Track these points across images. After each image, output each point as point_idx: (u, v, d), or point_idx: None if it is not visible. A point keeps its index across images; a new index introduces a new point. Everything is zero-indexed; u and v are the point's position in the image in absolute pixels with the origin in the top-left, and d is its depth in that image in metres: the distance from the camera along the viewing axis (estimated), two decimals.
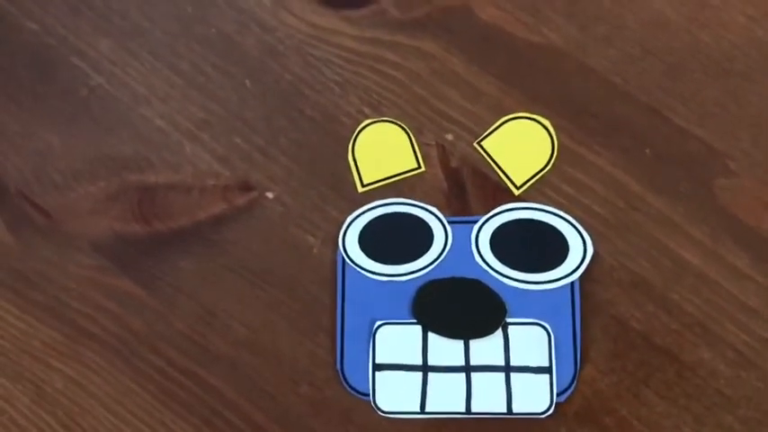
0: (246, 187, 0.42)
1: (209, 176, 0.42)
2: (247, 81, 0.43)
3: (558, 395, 0.39)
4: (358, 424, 0.40)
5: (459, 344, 0.40)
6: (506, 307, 0.40)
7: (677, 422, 0.39)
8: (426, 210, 0.41)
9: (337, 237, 0.41)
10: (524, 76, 0.42)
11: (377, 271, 0.41)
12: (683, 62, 0.42)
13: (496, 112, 0.42)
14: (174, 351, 0.41)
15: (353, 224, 0.41)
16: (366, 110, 0.43)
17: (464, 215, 0.41)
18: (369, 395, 0.39)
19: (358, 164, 0.42)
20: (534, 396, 0.39)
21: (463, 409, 0.39)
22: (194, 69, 0.44)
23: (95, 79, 0.44)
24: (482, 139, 0.42)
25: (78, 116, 0.44)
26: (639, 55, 0.42)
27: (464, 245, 0.41)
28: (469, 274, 0.40)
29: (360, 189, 0.42)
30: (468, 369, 0.39)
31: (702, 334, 0.39)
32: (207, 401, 0.40)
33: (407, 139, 0.42)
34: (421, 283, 0.40)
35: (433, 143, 0.42)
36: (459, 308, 0.40)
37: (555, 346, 0.39)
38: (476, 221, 0.41)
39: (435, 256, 0.41)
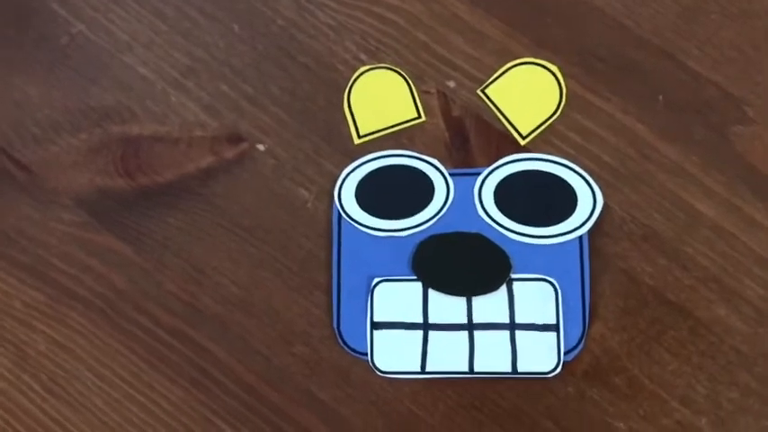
0: (236, 139, 0.41)
1: (195, 127, 0.42)
2: (235, 26, 0.42)
3: (565, 354, 0.38)
4: (355, 384, 0.39)
5: (462, 301, 0.39)
6: (511, 262, 0.39)
7: (690, 381, 0.38)
8: (427, 161, 0.40)
9: (332, 191, 0.40)
10: (531, 18, 0.41)
11: (375, 226, 0.40)
12: (698, 2, 0.41)
13: (501, 57, 0.41)
14: (162, 311, 0.40)
15: (350, 177, 0.41)
16: (363, 56, 0.42)
17: (467, 167, 0.40)
18: (366, 355, 0.39)
19: (354, 114, 0.41)
20: (540, 355, 0.38)
21: (466, 369, 0.39)
22: (179, 14, 0.43)
23: (76, 26, 0.43)
24: (486, 87, 0.41)
25: (58, 65, 0.43)
26: None
27: (467, 198, 0.40)
28: (472, 228, 0.40)
29: (356, 140, 0.41)
30: (470, 327, 0.39)
31: (718, 289, 0.39)
32: (196, 363, 0.40)
33: (407, 87, 0.41)
34: (421, 238, 0.40)
35: (434, 91, 0.41)
36: (462, 263, 0.39)
37: (562, 302, 0.39)
38: (479, 173, 0.40)
39: (436, 211, 0.40)
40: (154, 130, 0.42)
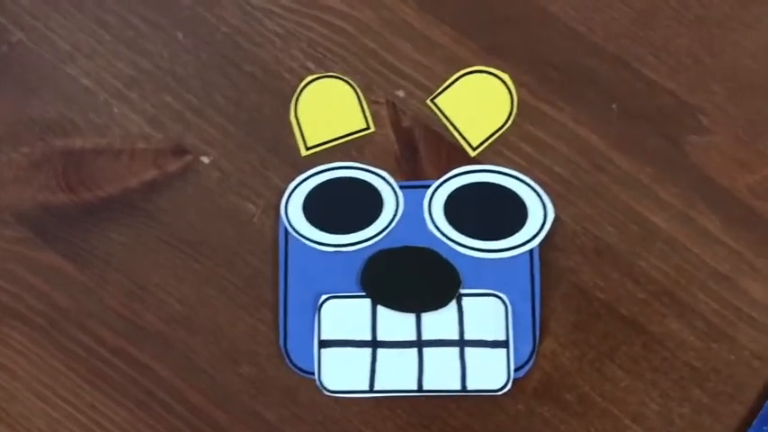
0: (180, 151, 0.41)
1: (139, 140, 0.41)
2: (179, 34, 0.42)
3: (515, 371, 0.38)
4: (302, 404, 0.39)
5: (411, 317, 0.39)
6: (461, 277, 0.39)
7: (643, 398, 0.38)
8: (376, 174, 0.40)
9: (279, 204, 0.40)
10: (482, 25, 0.41)
11: (322, 241, 0.39)
12: (653, 9, 0.40)
13: (452, 65, 0.41)
14: (105, 329, 0.40)
15: (297, 191, 0.40)
16: (310, 64, 0.41)
17: (416, 179, 0.40)
18: (314, 373, 0.39)
19: (301, 124, 0.41)
20: (490, 372, 0.38)
21: (415, 387, 0.38)
22: (122, 23, 0.42)
23: (15, 35, 0.42)
24: (436, 96, 0.41)
25: None
26: (606, 1, 0.40)
27: (416, 211, 0.39)
28: (421, 242, 0.39)
29: (303, 152, 0.40)
30: (420, 344, 0.39)
31: (671, 303, 0.38)
32: (140, 382, 0.40)
33: (355, 97, 0.41)
34: (370, 253, 0.39)
35: (383, 101, 0.41)
36: (411, 279, 0.39)
37: (512, 318, 0.38)
38: (429, 186, 0.40)
39: (385, 224, 0.39)
40: (96, 143, 0.41)
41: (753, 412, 0.38)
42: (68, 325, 0.40)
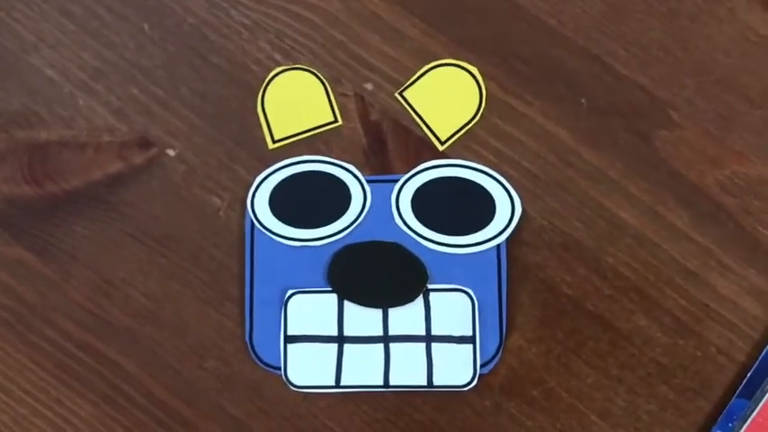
0: (145, 144, 0.41)
1: (104, 132, 0.41)
2: (145, 25, 0.41)
3: (481, 366, 0.38)
4: (268, 399, 0.39)
5: (378, 313, 0.39)
6: (428, 272, 0.39)
7: (609, 394, 0.38)
8: (343, 168, 0.40)
9: (246, 198, 0.40)
10: (451, 17, 0.41)
11: (289, 235, 0.39)
12: (625, 1, 0.40)
13: (420, 58, 0.41)
14: (71, 323, 0.40)
15: (263, 184, 0.40)
16: (277, 56, 0.41)
17: (384, 173, 0.40)
18: (280, 369, 0.39)
19: (268, 117, 0.41)
20: (456, 367, 0.38)
21: (381, 383, 0.39)
22: (87, 13, 0.42)
23: None
24: (404, 89, 0.40)
25: None
26: None
27: (384, 206, 0.40)
28: (389, 237, 0.39)
29: (270, 145, 0.40)
30: (386, 339, 0.39)
31: (638, 299, 0.39)
32: (106, 377, 0.40)
33: (323, 90, 0.41)
34: (337, 248, 0.39)
35: (351, 94, 0.40)
36: (378, 274, 0.39)
37: (479, 313, 0.38)
38: (397, 180, 0.40)
39: (352, 219, 0.39)
40: (61, 135, 0.41)
41: (719, 409, 0.38)
42: (34, 319, 0.40)
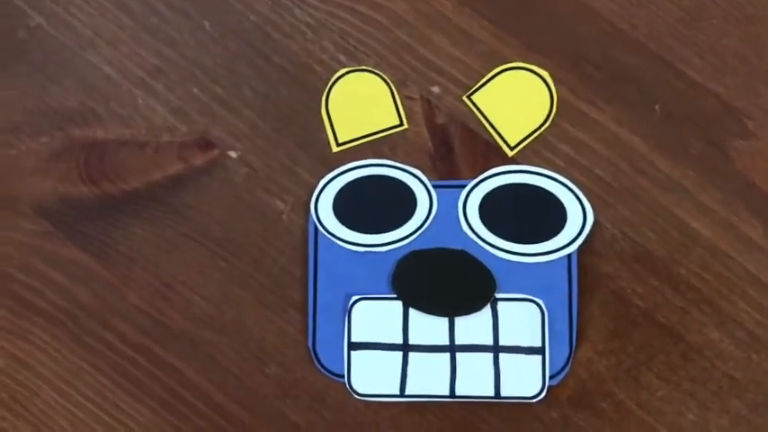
0: (206, 145, 0.41)
1: (163, 132, 0.41)
2: (206, 23, 0.41)
3: (550, 378, 0.38)
4: (331, 407, 0.39)
5: (444, 321, 0.39)
6: (496, 281, 0.39)
7: (680, 408, 0.38)
8: (409, 172, 0.40)
9: (309, 202, 0.40)
10: (521, 20, 0.40)
11: (353, 240, 0.39)
12: (700, 6, 0.40)
13: (489, 61, 0.40)
14: (129, 327, 0.40)
15: (327, 188, 0.40)
16: (342, 57, 0.41)
17: (451, 178, 0.40)
18: (343, 376, 0.39)
19: (332, 120, 0.40)
20: (525, 379, 0.38)
21: (447, 393, 0.38)
22: (146, 9, 0.41)
23: (35, 19, 0.42)
24: (473, 93, 0.40)
25: (15, 61, 0.42)
26: None
27: (450, 212, 0.39)
28: (455, 244, 0.39)
29: (334, 148, 0.40)
30: (452, 349, 0.39)
31: (711, 312, 0.38)
32: (165, 382, 0.40)
33: (388, 92, 0.40)
34: (402, 254, 0.39)
35: (418, 97, 0.40)
36: (444, 282, 0.39)
37: (548, 324, 0.38)
38: (464, 186, 0.39)
39: (418, 225, 0.39)
40: (119, 134, 0.41)
41: None
42: (91, 322, 0.40)
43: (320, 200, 0.40)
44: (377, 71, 0.41)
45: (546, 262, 0.39)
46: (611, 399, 0.38)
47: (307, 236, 0.40)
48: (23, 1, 0.42)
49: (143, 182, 0.41)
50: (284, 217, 0.40)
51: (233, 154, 0.40)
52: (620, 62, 0.40)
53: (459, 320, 0.39)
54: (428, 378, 0.39)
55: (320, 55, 0.41)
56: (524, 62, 0.40)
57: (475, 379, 0.38)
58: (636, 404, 0.38)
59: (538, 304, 0.38)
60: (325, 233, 0.39)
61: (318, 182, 0.40)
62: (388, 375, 0.39)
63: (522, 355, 0.38)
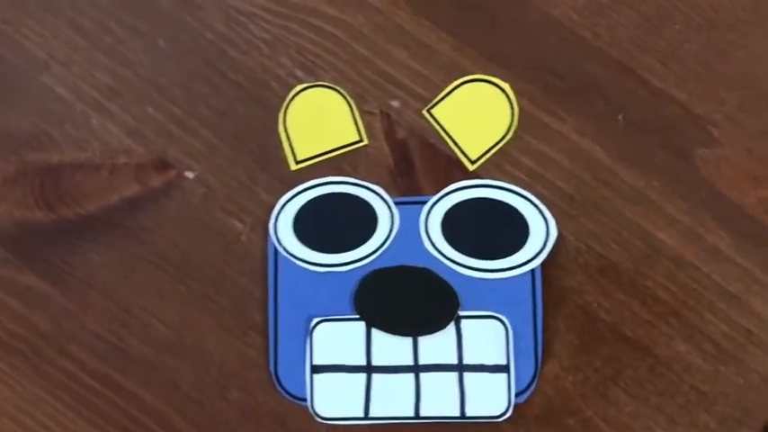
0: (163, 166, 0.40)
1: (120, 154, 0.40)
2: (161, 41, 0.41)
3: (516, 396, 0.38)
4: (294, 431, 0.39)
5: (407, 341, 0.38)
6: (459, 298, 0.38)
7: (648, 423, 0.38)
8: (369, 189, 0.39)
9: (268, 222, 0.39)
10: (481, 31, 0.40)
11: (314, 260, 0.39)
12: (661, 13, 0.39)
13: (449, 74, 0.40)
14: (88, 354, 0.39)
15: (286, 207, 0.39)
16: (299, 73, 0.40)
17: (412, 194, 0.39)
18: (306, 400, 0.38)
19: (291, 137, 0.40)
20: (490, 397, 0.38)
21: (412, 414, 0.38)
22: (99, 28, 0.41)
23: None
24: (432, 107, 0.40)
25: None
26: (611, 4, 0.40)
27: (412, 229, 0.39)
28: (418, 261, 0.39)
29: (293, 166, 0.40)
30: (416, 369, 0.38)
31: (678, 325, 0.38)
32: (125, 409, 0.39)
33: (347, 107, 0.40)
34: (363, 273, 0.39)
35: (377, 111, 0.40)
36: (407, 301, 0.38)
37: (513, 341, 0.38)
38: (425, 202, 0.39)
39: (380, 243, 0.39)
40: (74, 158, 0.40)
41: None
42: (49, 350, 0.40)
43: (279, 219, 0.39)
44: (335, 86, 0.40)
45: (510, 277, 0.38)
46: (579, 416, 0.38)
47: (266, 257, 0.39)
48: None
49: (99, 205, 0.40)
50: (243, 238, 0.40)
51: (190, 174, 0.40)
52: (582, 71, 0.39)
53: (422, 340, 0.38)
54: (392, 400, 0.38)
55: (277, 71, 0.40)
56: (484, 74, 0.40)
57: (440, 399, 0.38)
58: (603, 420, 0.38)
59: (502, 321, 0.38)
60: (286, 254, 0.39)
61: (277, 201, 0.39)
62: (351, 398, 0.38)
63: (488, 374, 0.38)
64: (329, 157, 0.40)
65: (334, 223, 0.39)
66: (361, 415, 0.38)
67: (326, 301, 0.39)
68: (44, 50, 0.41)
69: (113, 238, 0.40)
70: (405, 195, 0.39)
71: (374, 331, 0.38)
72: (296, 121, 0.40)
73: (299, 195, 0.39)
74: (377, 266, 0.39)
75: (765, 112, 0.39)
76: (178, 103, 0.40)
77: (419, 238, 0.39)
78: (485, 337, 0.38)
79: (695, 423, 0.38)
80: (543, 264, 0.38)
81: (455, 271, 0.38)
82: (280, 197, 0.39)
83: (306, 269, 0.39)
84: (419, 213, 0.39)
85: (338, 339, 0.38)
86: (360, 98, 0.40)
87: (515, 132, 0.39)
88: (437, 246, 0.39)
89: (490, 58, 0.40)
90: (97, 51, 0.41)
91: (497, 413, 0.38)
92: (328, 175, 0.39)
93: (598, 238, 0.39)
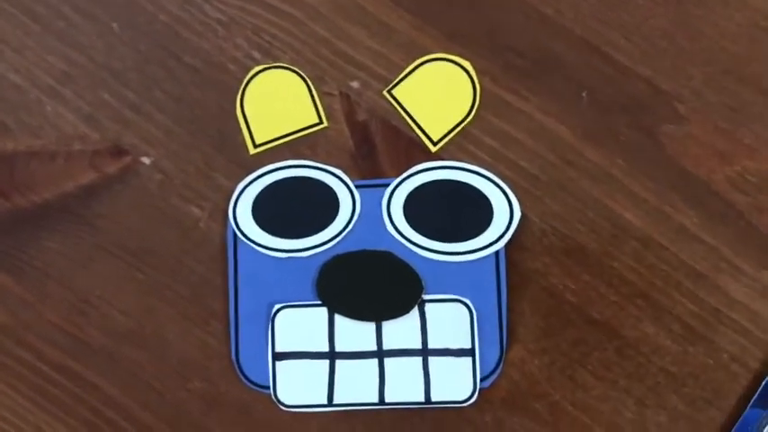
0: (118, 152, 0.39)
1: (74, 140, 0.39)
2: (115, 24, 0.40)
3: (482, 380, 0.37)
4: (258, 420, 0.38)
5: (371, 326, 0.38)
6: (422, 282, 0.38)
7: (617, 405, 0.37)
8: (330, 173, 0.38)
9: (227, 208, 0.39)
10: (441, 9, 0.39)
11: (274, 246, 0.38)
12: None
13: (409, 53, 0.39)
14: (46, 344, 0.39)
15: (245, 192, 0.39)
16: (256, 54, 0.39)
17: (373, 177, 0.39)
18: (269, 388, 0.38)
19: (248, 120, 0.39)
20: (455, 382, 0.37)
21: (376, 400, 0.38)
22: (52, 12, 0.40)
23: None
24: (393, 87, 0.39)
25: None
26: None
27: (374, 212, 0.38)
28: (380, 245, 0.38)
29: (252, 150, 0.39)
30: (380, 354, 0.38)
31: (645, 306, 0.38)
32: (85, 400, 0.39)
33: (306, 89, 0.39)
34: (325, 258, 0.38)
35: (337, 93, 0.39)
36: (370, 285, 0.38)
37: (478, 324, 0.37)
38: (387, 184, 0.38)
39: (341, 227, 0.38)
40: (28, 145, 0.40)
41: (732, 419, 0.37)
42: (6, 341, 0.39)
43: (238, 205, 0.39)
44: (293, 67, 0.39)
45: (473, 260, 0.38)
46: (546, 399, 0.38)
47: (226, 243, 0.39)
48: None
49: (55, 193, 0.39)
50: (201, 224, 0.39)
51: (146, 160, 0.39)
52: (545, 49, 0.39)
53: (386, 325, 0.38)
54: (356, 386, 0.38)
55: (233, 53, 0.39)
56: (445, 53, 0.39)
57: (404, 384, 0.38)
58: (571, 404, 0.37)
59: (466, 304, 0.37)
60: (245, 240, 0.38)
61: (236, 186, 0.39)
62: (315, 385, 0.38)
63: (452, 358, 0.37)
64: (288, 140, 0.39)
65: (294, 208, 0.39)
66: (325, 402, 0.38)
67: (288, 287, 0.38)
68: None
69: (70, 227, 0.39)
70: (366, 178, 0.39)
71: (337, 317, 0.38)
72: (254, 104, 0.39)
73: (259, 180, 0.39)
74: (339, 251, 0.38)
75: (732, 87, 0.38)
76: (133, 88, 0.40)
77: (381, 222, 0.38)
78: (449, 321, 0.38)
79: (664, 405, 0.37)
80: (507, 246, 0.38)
81: (418, 254, 0.38)
82: (238, 182, 0.39)
83: (266, 255, 0.38)
84: (381, 196, 0.38)
85: (300, 326, 0.38)
86: (319, 79, 0.39)
87: (477, 112, 0.39)
88: (400, 229, 0.38)
89: (451, 36, 0.39)
90: (50, 36, 0.40)
91: (463, 398, 0.37)
92: (288, 159, 0.39)
93: (563, 218, 0.38)
